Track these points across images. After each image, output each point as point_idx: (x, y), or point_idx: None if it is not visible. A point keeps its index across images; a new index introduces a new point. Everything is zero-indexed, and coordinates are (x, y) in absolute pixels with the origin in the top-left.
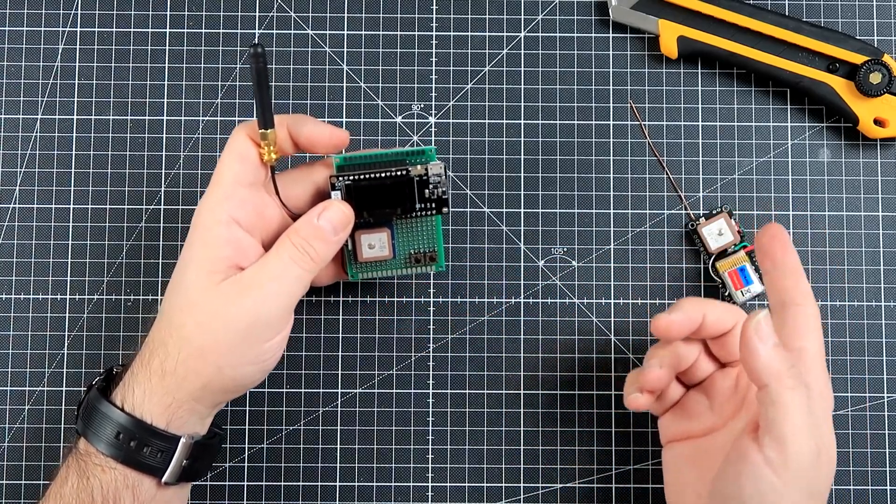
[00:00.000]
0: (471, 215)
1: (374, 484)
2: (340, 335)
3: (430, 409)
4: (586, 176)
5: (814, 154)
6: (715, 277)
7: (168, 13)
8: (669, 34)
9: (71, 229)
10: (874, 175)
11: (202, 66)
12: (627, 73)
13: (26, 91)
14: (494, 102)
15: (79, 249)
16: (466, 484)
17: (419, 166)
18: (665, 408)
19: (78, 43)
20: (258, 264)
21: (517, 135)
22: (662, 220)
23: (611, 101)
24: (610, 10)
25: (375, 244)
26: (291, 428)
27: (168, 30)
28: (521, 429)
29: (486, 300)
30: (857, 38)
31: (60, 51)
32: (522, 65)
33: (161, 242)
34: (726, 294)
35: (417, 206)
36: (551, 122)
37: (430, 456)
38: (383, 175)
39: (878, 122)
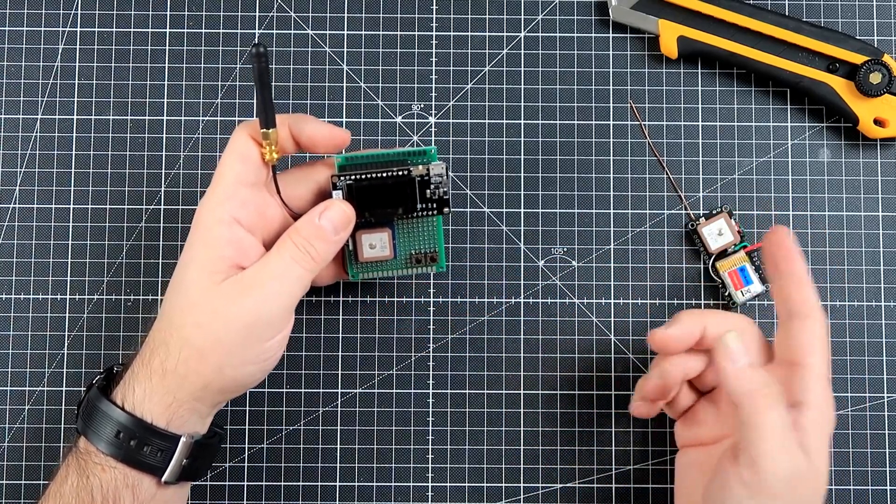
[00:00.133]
0: (471, 215)
1: (374, 484)
2: (340, 335)
3: (430, 409)
4: (586, 176)
5: (814, 154)
6: (715, 277)
7: (168, 13)
8: (669, 34)
9: (71, 229)
10: (874, 175)
11: (202, 66)
12: (627, 73)
13: (26, 91)
14: (494, 102)
15: (79, 249)
16: (466, 484)
17: (421, 166)
18: (678, 413)
19: (78, 43)
20: (259, 264)
21: (517, 135)
22: (662, 220)
23: (611, 101)
24: (610, 10)
25: (376, 244)
26: (291, 428)
27: (168, 30)
28: (521, 429)
29: (486, 300)
30: (857, 38)
31: (60, 51)
32: (522, 65)
33: (161, 242)
34: (726, 294)
35: (419, 206)
36: (551, 122)
37: (430, 456)
38: (385, 175)
39: (878, 122)
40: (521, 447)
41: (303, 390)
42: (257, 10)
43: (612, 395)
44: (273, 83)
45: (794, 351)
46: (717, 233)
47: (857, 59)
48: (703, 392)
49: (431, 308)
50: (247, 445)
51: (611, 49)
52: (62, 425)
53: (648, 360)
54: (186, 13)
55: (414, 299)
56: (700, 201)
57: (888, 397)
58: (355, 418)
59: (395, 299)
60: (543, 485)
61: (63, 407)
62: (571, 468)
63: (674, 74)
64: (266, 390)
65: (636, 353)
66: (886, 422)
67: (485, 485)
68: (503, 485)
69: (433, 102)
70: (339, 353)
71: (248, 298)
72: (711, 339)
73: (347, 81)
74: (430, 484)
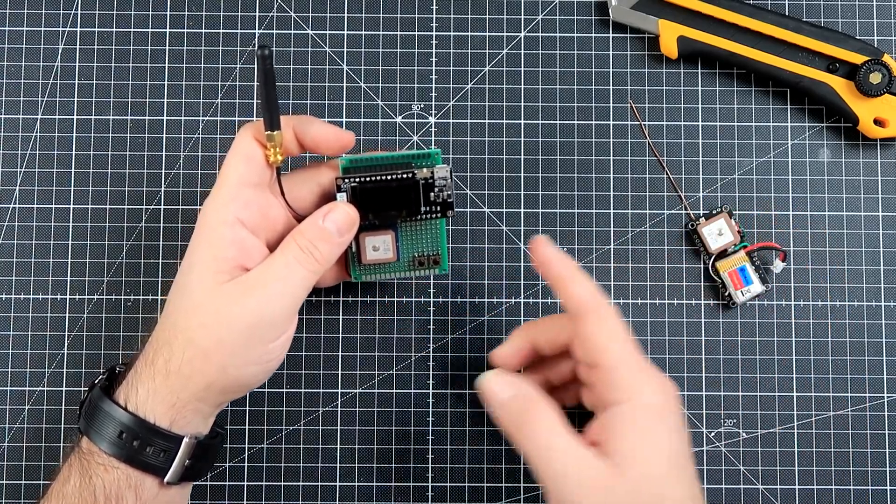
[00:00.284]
0: (471, 215)
1: (374, 484)
2: (340, 335)
3: (430, 409)
4: (586, 176)
5: (814, 154)
6: (715, 277)
7: (168, 13)
8: (669, 34)
9: (71, 229)
10: (874, 175)
11: (202, 66)
12: (627, 73)
13: (26, 91)
14: (494, 102)
15: (79, 249)
16: (466, 484)
17: (425, 169)
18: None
19: (78, 43)
20: (263, 265)
21: (517, 135)
22: (662, 220)
23: (611, 101)
24: (610, 10)
25: (380, 246)
26: (291, 428)
27: (168, 30)
28: None
29: (486, 300)
30: (857, 38)
31: (60, 51)
32: (522, 65)
33: (161, 242)
34: (726, 294)
35: (422, 209)
36: (551, 122)
37: (430, 456)
38: (389, 177)
39: (878, 122)
40: None
41: (303, 390)
42: (257, 10)
43: None
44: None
45: (588, 353)
46: (717, 233)
47: (857, 59)
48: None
49: (431, 308)
50: (247, 445)
51: (611, 49)
52: (62, 425)
53: (649, 360)
54: (186, 13)
55: (414, 299)
56: (700, 201)
57: (888, 397)
58: (355, 418)
59: (395, 299)
60: None
61: (63, 407)
62: None
63: (674, 74)
64: (266, 390)
65: None
66: (886, 422)
67: (485, 485)
68: (503, 485)
69: (433, 102)
70: (339, 353)
71: (252, 299)
72: (547, 347)
73: (347, 81)
74: (430, 484)
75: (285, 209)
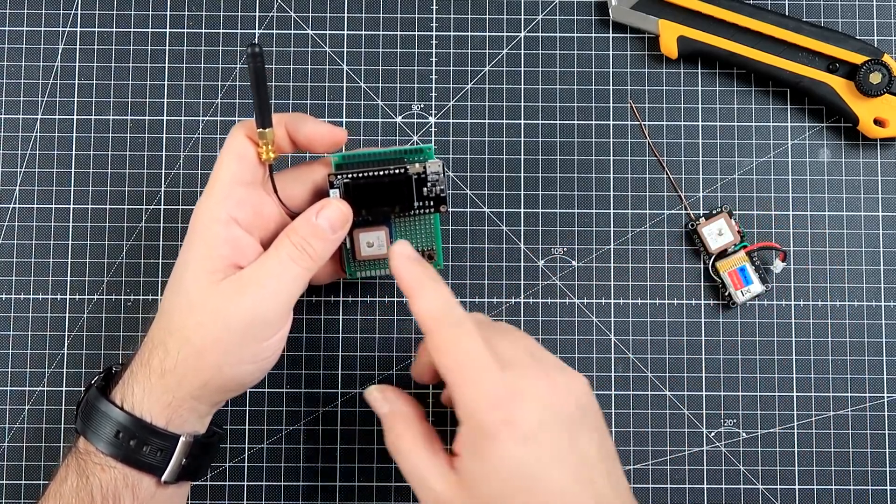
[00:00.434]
0: (471, 215)
1: (374, 484)
2: (340, 335)
3: (431, 410)
4: (586, 176)
5: (814, 154)
6: (715, 277)
7: (168, 13)
8: (669, 34)
9: (71, 229)
10: (874, 175)
11: (202, 66)
12: (627, 73)
13: (26, 91)
14: (494, 102)
15: (79, 249)
16: None
17: (417, 164)
18: None
19: (78, 43)
20: (257, 263)
21: (517, 135)
22: (662, 220)
23: (611, 101)
24: (610, 10)
25: (374, 242)
26: (291, 428)
27: (168, 30)
28: None
29: (486, 300)
30: (857, 38)
31: (60, 51)
32: (522, 65)
33: (161, 242)
34: (726, 294)
35: (416, 204)
36: (551, 122)
37: None
38: (382, 173)
39: (878, 122)
40: None
41: (303, 390)
42: (257, 10)
43: (612, 395)
44: (273, 83)
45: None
46: (717, 233)
47: (857, 59)
48: None
49: None
50: (247, 445)
51: (611, 49)
52: (62, 425)
53: (649, 360)
54: (186, 13)
55: None
56: (700, 201)
57: (888, 397)
58: (355, 418)
59: (395, 299)
60: None
61: (63, 407)
62: None
63: (674, 74)
64: (266, 390)
65: (636, 353)
66: (886, 422)
67: None
68: None
69: (433, 102)
70: (339, 353)
71: (247, 297)
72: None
73: (347, 81)
74: None
75: (278, 207)
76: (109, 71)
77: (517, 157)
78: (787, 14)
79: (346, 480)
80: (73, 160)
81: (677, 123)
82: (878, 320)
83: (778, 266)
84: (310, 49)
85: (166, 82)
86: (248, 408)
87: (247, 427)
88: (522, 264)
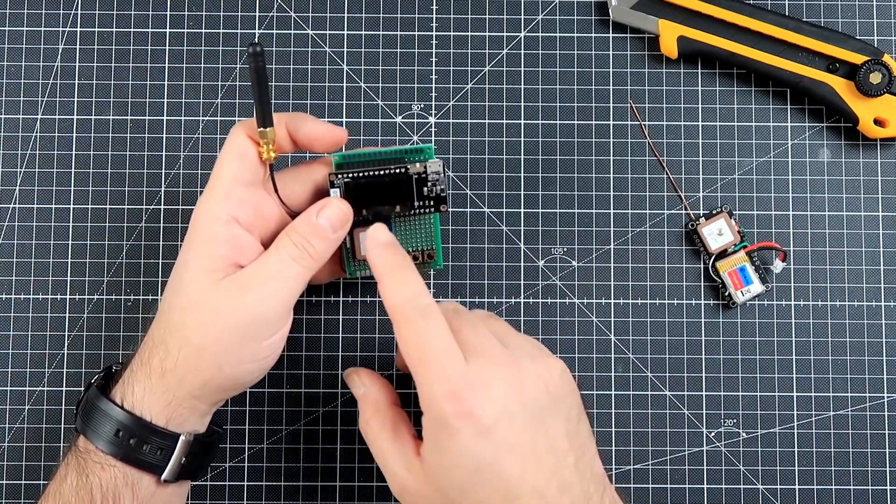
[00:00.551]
0: (471, 215)
1: (375, 484)
2: (340, 335)
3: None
4: (586, 176)
5: (814, 154)
6: (715, 277)
7: (168, 13)
8: (669, 34)
9: (71, 229)
10: (874, 175)
11: (202, 66)
12: (627, 73)
13: (26, 91)
14: (494, 102)
15: (79, 249)
16: None
17: (418, 164)
18: None
19: (78, 43)
20: (257, 262)
21: (517, 135)
22: (662, 220)
23: (611, 101)
24: (610, 10)
25: None
26: (291, 428)
27: (168, 30)
28: None
29: (486, 300)
30: (857, 38)
31: (60, 51)
32: (522, 65)
33: (161, 242)
34: (726, 294)
35: (416, 203)
36: (551, 122)
37: None
38: (382, 173)
39: (878, 122)
40: None
41: (303, 390)
42: (257, 10)
43: (612, 395)
44: (273, 83)
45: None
46: (717, 233)
47: (857, 59)
48: None
49: None
50: (247, 445)
51: (611, 49)
52: (62, 425)
53: (649, 360)
54: (186, 13)
55: None
56: (700, 201)
57: (888, 397)
58: (355, 418)
59: None
60: None
61: (63, 407)
62: None
63: (674, 74)
64: (266, 390)
65: (636, 353)
66: (886, 422)
67: None
68: None
69: (433, 102)
70: (339, 353)
71: (247, 296)
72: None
73: (347, 81)
74: None
75: (279, 206)
76: (109, 71)
77: (517, 157)
78: (787, 14)
79: (346, 480)
80: (73, 160)
81: (677, 123)
82: (878, 320)
83: (778, 266)
84: (310, 49)
85: (166, 82)
86: (248, 408)
87: (247, 427)
88: (522, 264)
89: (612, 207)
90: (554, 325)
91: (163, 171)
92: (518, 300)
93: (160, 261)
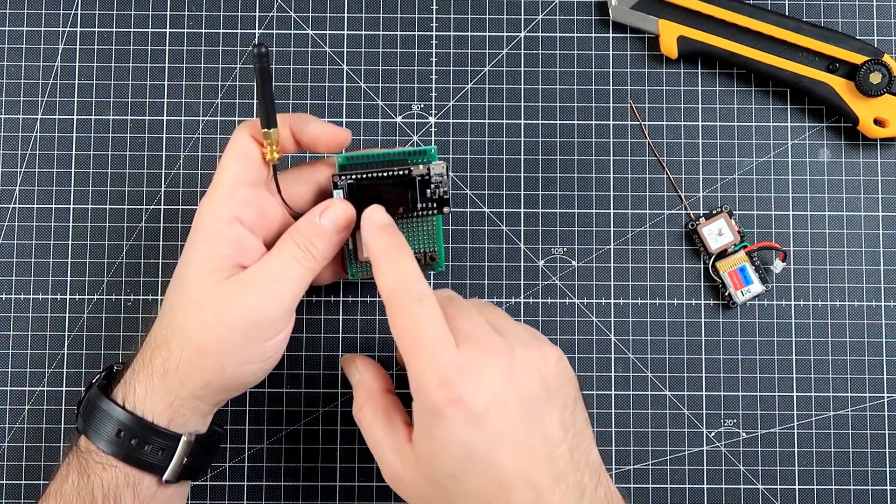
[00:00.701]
0: (471, 215)
1: (375, 484)
2: (340, 335)
3: None
4: (586, 176)
5: (814, 154)
6: (715, 277)
7: (168, 13)
8: (669, 34)
9: (71, 229)
10: (874, 175)
11: (202, 66)
12: (627, 73)
13: (26, 91)
14: (494, 102)
15: (79, 249)
16: None
17: (421, 166)
18: None
19: (78, 43)
20: (260, 263)
21: (517, 135)
22: (662, 220)
23: (611, 101)
24: (610, 10)
25: None
26: (291, 428)
27: (168, 30)
28: None
29: (486, 300)
30: (857, 38)
31: (60, 51)
32: (522, 65)
33: (161, 242)
34: (726, 294)
35: (419, 205)
36: (551, 122)
37: None
38: (385, 174)
39: (878, 122)
40: None
41: (303, 390)
42: (257, 10)
43: (612, 395)
44: (273, 83)
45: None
46: (717, 233)
47: (857, 59)
48: None
49: None
50: (247, 445)
51: (611, 49)
52: (62, 425)
53: (649, 360)
54: (186, 13)
55: None
56: (700, 201)
57: (888, 397)
58: None
59: None
60: None
61: (63, 407)
62: None
63: (674, 74)
64: (266, 390)
65: (636, 353)
66: (886, 422)
67: None
68: None
69: (433, 102)
70: (339, 354)
71: (250, 297)
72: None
73: (347, 81)
74: None
75: (282, 207)
76: (109, 71)
77: (517, 157)
78: (787, 14)
79: (346, 480)
80: (73, 160)
81: (677, 123)
82: (878, 320)
83: (778, 266)
84: (310, 49)
85: (166, 82)
86: (248, 408)
87: (247, 427)
88: (522, 264)
89: (612, 207)
90: (554, 325)
91: (163, 171)
92: (518, 300)
93: (160, 261)
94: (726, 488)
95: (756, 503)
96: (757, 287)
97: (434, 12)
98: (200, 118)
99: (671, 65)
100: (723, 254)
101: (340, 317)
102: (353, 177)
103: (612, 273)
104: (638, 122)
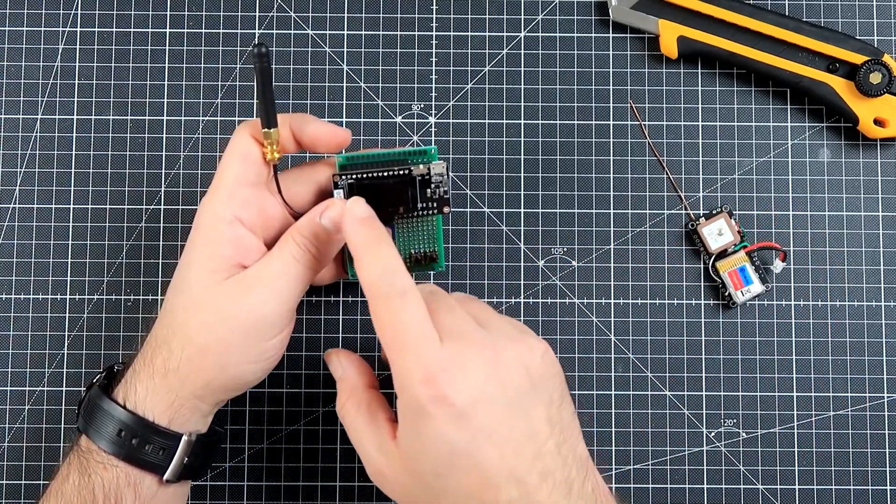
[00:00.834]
0: (471, 215)
1: (374, 484)
2: (340, 335)
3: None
4: (586, 176)
5: (814, 154)
6: (715, 277)
7: (168, 13)
8: (669, 34)
9: (71, 229)
10: (874, 175)
11: (202, 66)
12: (627, 73)
13: (26, 91)
14: (494, 102)
15: (79, 249)
16: None
17: (421, 166)
18: None
19: (78, 43)
20: (261, 263)
21: (517, 135)
22: (662, 220)
23: (611, 101)
24: (610, 10)
25: None
26: (291, 428)
27: (168, 30)
28: None
29: (486, 300)
30: (857, 38)
31: (60, 51)
32: (522, 65)
33: (161, 242)
34: (726, 294)
35: (419, 205)
36: (551, 122)
37: None
38: (386, 174)
39: (878, 122)
40: None
41: (303, 390)
42: (257, 10)
43: (612, 395)
44: (273, 83)
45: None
46: (717, 233)
47: (857, 59)
48: None
49: None
50: (247, 445)
51: (611, 49)
52: (62, 425)
53: (649, 360)
54: (186, 13)
55: None
56: (700, 201)
57: (888, 397)
58: None
59: None
60: None
61: (63, 407)
62: None
63: (674, 74)
64: (266, 390)
65: (636, 353)
66: (886, 422)
67: None
68: None
69: (433, 102)
70: None
71: (250, 297)
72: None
73: (347, 81)
74: None
75: (282, 207)
76: (109, 71)
77: (517, 157)
78: (787, 14)
79: (346, 480)
80: (73, 160)
81: (677, 123)
82: (878, 320)
83: (778, 266)
84: (310, 49)
85: (166, 82)
86: (248, 408)
87: (247, 427)
88: (522, 264)
89: (612, 207)
90: (554, 325)
91: (163, 171)
92: (518, 300)
93: (160, 261)
94: (726, 488)
95: (756, 503)
96: (757, 287)
97: (434, 12)
98: (200, 118)
99: (671, 65)
100: (723, 254)
101: (340, 317)
102: (354, 177)
103: (612, 273)
104: (638, 122)
